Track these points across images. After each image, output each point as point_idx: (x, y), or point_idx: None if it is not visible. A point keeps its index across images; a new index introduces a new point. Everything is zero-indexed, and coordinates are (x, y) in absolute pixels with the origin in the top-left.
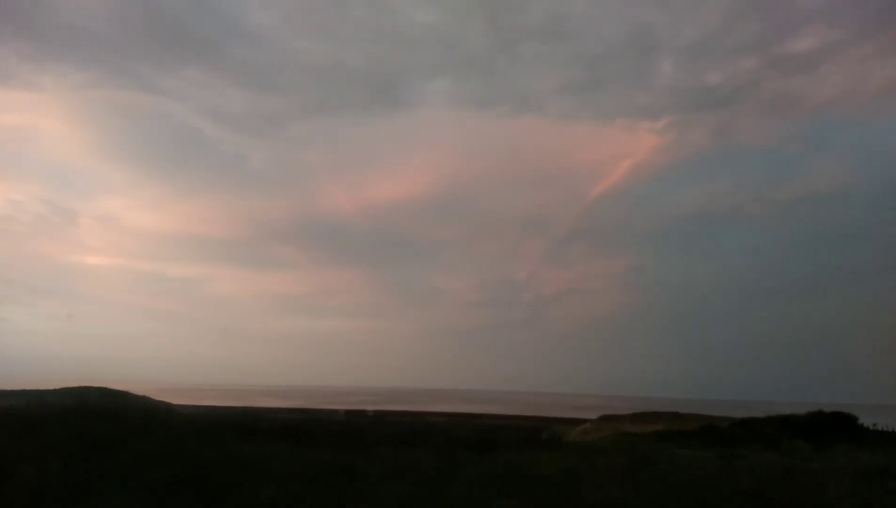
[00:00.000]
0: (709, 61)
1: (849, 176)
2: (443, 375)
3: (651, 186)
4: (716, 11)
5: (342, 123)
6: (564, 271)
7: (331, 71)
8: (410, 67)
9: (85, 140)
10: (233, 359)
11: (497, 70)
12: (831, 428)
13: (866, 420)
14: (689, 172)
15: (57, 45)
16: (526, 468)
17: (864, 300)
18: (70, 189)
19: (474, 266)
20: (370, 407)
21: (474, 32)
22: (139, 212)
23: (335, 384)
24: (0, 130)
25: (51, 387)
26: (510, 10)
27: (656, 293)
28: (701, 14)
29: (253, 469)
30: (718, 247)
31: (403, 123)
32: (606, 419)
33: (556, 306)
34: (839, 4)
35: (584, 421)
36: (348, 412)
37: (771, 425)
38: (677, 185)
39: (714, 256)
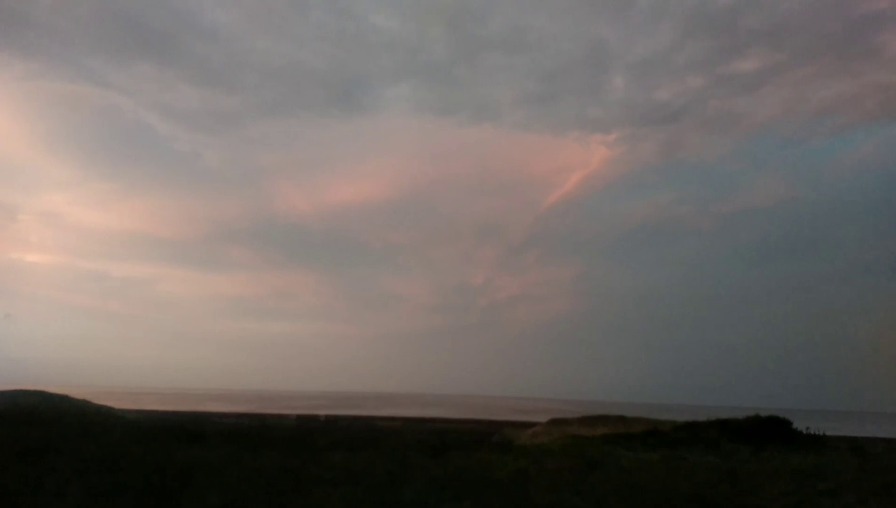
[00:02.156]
0: (658, 78)
1: (786, 192)
2: (397, 379)
3: (601, 197)
4: (666, 31)
5: (300, 125)
6: (518, 278)
7: (290, 72)
8: (371, 72)
9: (27, 133)
10: (181, 362)
11: (457, 78)
12: (767, 432)
13: (799, 424)
14: (638, 184)
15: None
16: (477, 471)
17: (800, 309)
18: (10, 183)
19: (430, 271)
20: (322, 412)
21: (436, 40)
22: (84, 209)
23: (287, 388)
24: None
25: None
26: (471, 20)
27: (605, 300)
28: (653, 33)
29: (198, 474)
30: (664, 257)
31: (362, 126)
32: (556, 422)
33: (509, 312)
34: (782, 28)
35: (534, 424)
36: (300, 417)
37: (711, 428)
38: (626, 196)
39: (659, 265)
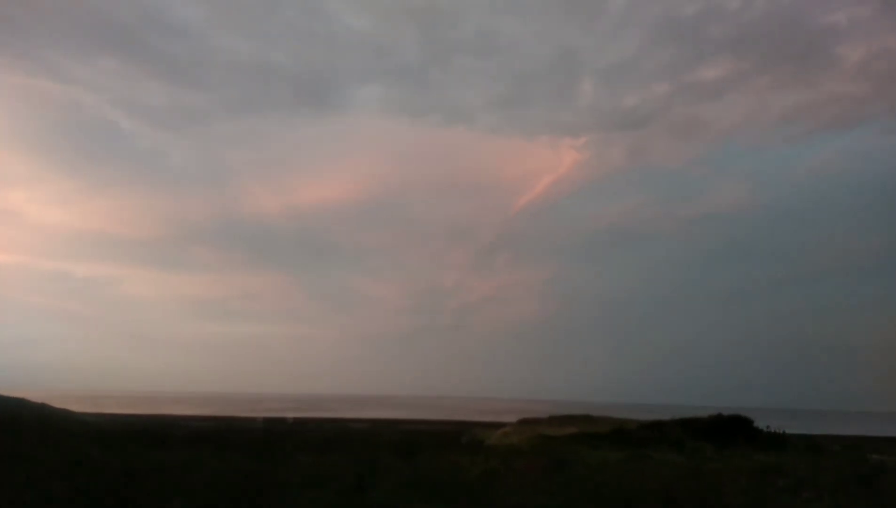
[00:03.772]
0: (626, 85)
1: (748, 197)
2: (367, 381)
3: (571, 200)
4: (634, 38)
5: (269, 124)
6: (488, 280)
7: (258, 70)
8: (342, 72)
9: None
10: (144, 365)
11: (429, 81)
12: (730, 430)
13: (760, 423)
14: (605, 188)
15: None
16: (447, 472)
17: (761, 311)
18: None
19: (401, 273)
20: (290, 414)
21: (408, 42)
22: (43, 206)
23: (254, 391)
24: None
25: None
26: (443, 23)
27: (574, 302)
28: (620, 40)
29: (161, 479)
30: (631, 259)
31: (333, 127)
32: (525, 422)
33: (480, 314)
34: (745, 38)
35: (503, 425)
36: (267, 420)
37: (676, 427)
38: (595, 200)
39: (627, 267)
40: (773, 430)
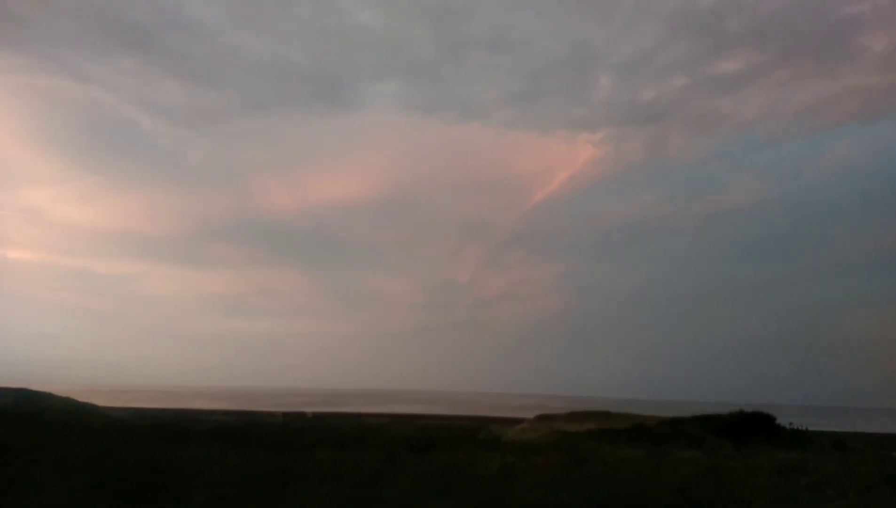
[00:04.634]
0: (643, 78)
1: (765, 192)
2: (384, 376)
3: (587, 196)
4: (650, 31)
5: (284, 122)
6: (504, 275)
7: (274, 68)
8: (356, 69)
9: (8, 128)
10: (166, 360)
11: (443, 76)
12: (751, 427)
13: (783, 420)
14: (622, 183)
15: None
16: (464, 468)
17: (781, 307)
18: None
19: (415, 269)
20: (309, 409)
21: (421, 38)
22: (66, 205)
23: (274, 386)
24: None
25: None
26: (456, 18)
27: (590, 298)
28: (636, 33)
29: (183, 472)
30: (647, 255)
31: (347, 123)
32: (542, 418)
33: (495, 309)
34: (764, 30)
35: (521, 421)
36: (286, 415)
37: (695, 424)
38: (611, 195)
39: (643, 263)
40: (795, 427)
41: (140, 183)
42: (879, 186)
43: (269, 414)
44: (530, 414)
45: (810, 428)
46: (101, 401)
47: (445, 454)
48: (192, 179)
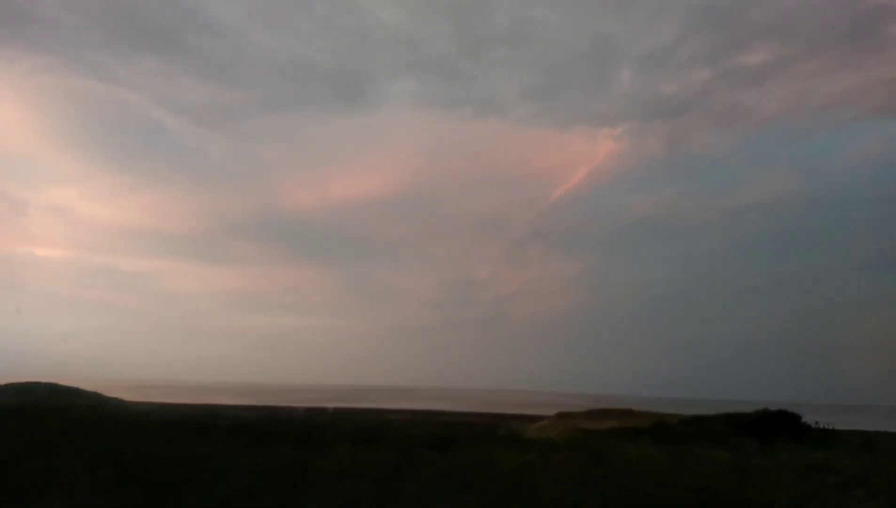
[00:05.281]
0: (664, 72)
1: (792, 186)
2: (403, 373)
3: (607, 191)
4: (672, 23)
5: (304, 120)
6: (523, 272)
7: (294, 67)
8: (375, 66)
9: (35, 127)
10: (189, 356)
11: (461, 73)
12: (776, 426)
13: (808, 418)
14: (643, 178)
15: (7, 29)
16: (483, 464)
17: (807, 303)
18: (19, 178)
19: (434, 266)
20: (329, 405)
21: (439, 35)
22: (93, 203)
23: (294, 381)
24: None
25: None
26: (475, 14)
27: (610, 294)
28: (658, 26)
29: (206, 466)
30: (668, 251)
31: (366, 121)
32: (562, 416)
33: (514, 306)
34: (789, 21)
35: (540, 418)
36: (307, 410)
37: (719, 422)
38: (631, 190)
39: (665, 259)
40: (821, 426)
41: (164, 181)
42: None
43: (291, 410)
44: (550, 412)
45: (837, 427)
46: (127, 396)
47: (464, 450)
48: (215, 177)
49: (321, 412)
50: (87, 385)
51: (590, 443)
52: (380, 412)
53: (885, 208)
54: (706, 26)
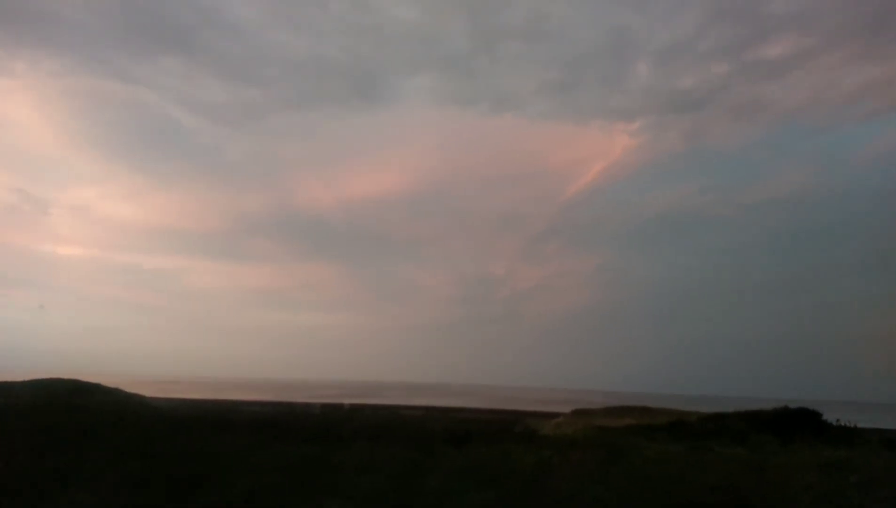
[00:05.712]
0: (682, 65)
1: (812, 180)
2: (420, 369)
3: (624, 186)
4: (690, 17)
5: (321, 118)
6: (539, 268)
7: (310, 65)
8: (391, 64)
9: (58, 128)
10: (208, 352)
11: (477, 69)
12: (797, 424)
13: (830, 416)
14: (661, 173)
15: (29, 31)
16: (500, 461)
17: (827, 300)
18: (42, 178)
19: (451, 262)
20: (346, 401)
21: (455, 31)
22: (113, 202)
23: (311, 377)
24: None
25: (20, 379)
26: (491, 9)
27: (628, 290)
28: (676, 19)
29: (226, 462)
30: (686, 246)
31: (383, 118)
32: (579, 413)
33: (531, 302)
34: (811, 12)
35: (557, 415)
36: (324, 406)
37: (739, 420)
38: (649, 185)
39: (683, 255)
40: (843, 424)
41: (183, 180)
42: None
43: (308, 405)
44: (566, 409)
45: (859, 425)
46: (148, 392)
47: (481, 447)
48: (233, 175)
49: (338, 407)
50: (108, 381)
51: (607, 440)
52: (395, 408)
53: None
54: (725, 19)
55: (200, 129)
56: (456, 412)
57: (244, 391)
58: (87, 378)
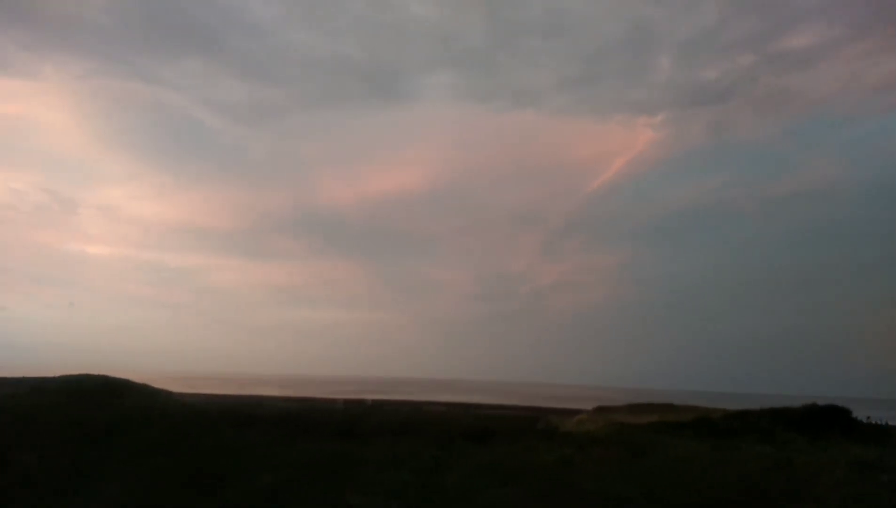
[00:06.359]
0: (705, 57)
1: (840, 173)
2: (441, 365)
3: (646, 181)
4: (713, 8)
5: (341, 116)
6: (560, 264)
7: (330, 64)
8: (409, 61)
9: (85, 129)
10: (232, 348)
11: (496, 64)
12: (825, 421)
13: (860, 414)
14: (684, 167)
15: (56, 34)
16: (522, 457)
17: (856, 295)
18: (70, 178)
19: (471, 259)
20: (369, 397)
21: (473, 27)
22: (140, 201)
23: (334, 373)
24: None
25: (51, 375)
26: (509, 4)
27: (650, 286)
28: (698, 10)
29: (251, 457)
30: (711, 241)
31: (402, 115)
32: (602, 409)
33: (551, 299)
34: (837, 2)
35: (579, 412)
36: (347, 402)
37: (765, 417)
38: (672, 180)
39: (706, 250)
40: (874, 421)
41: (206, 179)
42: None
43: (330, 401)
44: (588, 406)
45: (890, 423)
46: (175, 388)
47: (503, 443)
48: (255, 174)
49: (360, 403)
50: (136, 377)
51: (630, 437)
52: (417, 404)
53: None
54: (749, 9)
55: (223, 129)
56: (477, 408)
57: (267, 387)
58: (116, 374)
